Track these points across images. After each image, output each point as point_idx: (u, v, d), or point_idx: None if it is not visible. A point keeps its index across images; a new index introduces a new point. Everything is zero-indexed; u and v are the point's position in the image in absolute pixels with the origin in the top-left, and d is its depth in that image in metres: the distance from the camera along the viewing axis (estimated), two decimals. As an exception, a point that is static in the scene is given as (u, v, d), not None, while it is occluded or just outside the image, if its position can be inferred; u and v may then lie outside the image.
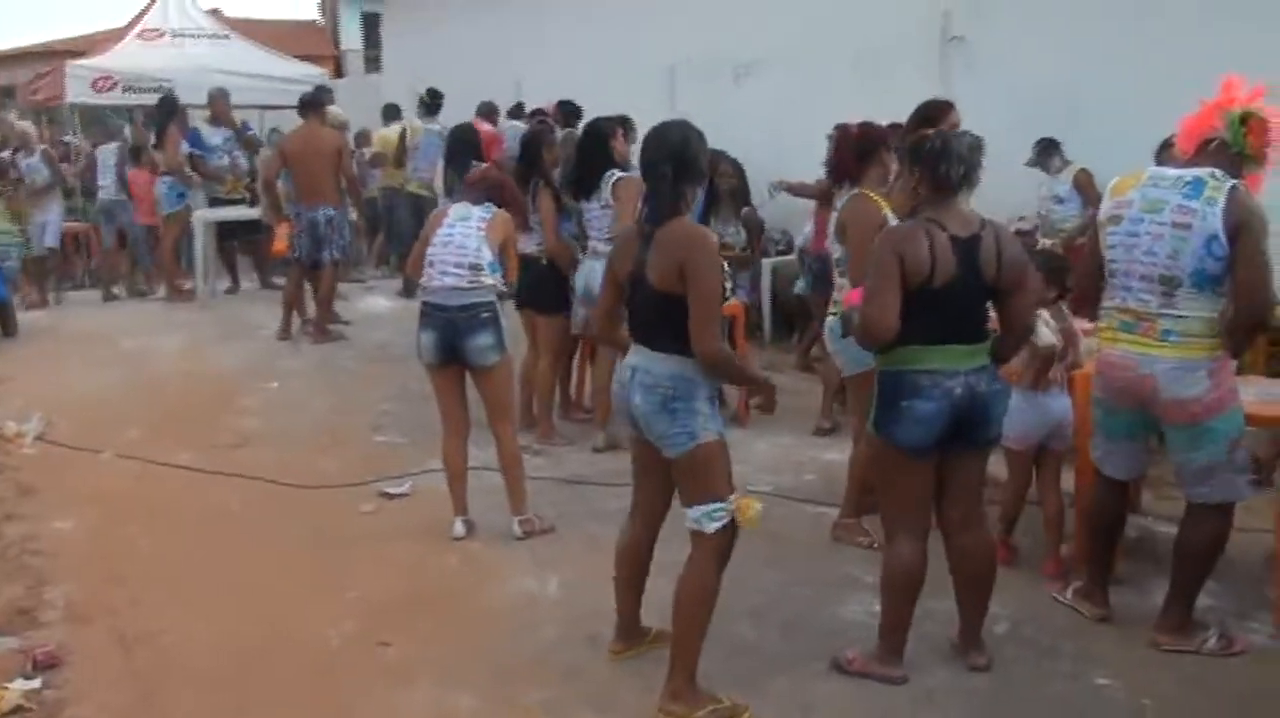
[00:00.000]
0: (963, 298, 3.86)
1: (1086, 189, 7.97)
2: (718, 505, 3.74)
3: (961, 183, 3.90)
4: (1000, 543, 4.96)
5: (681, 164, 3.74)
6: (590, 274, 6.49)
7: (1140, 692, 4.00)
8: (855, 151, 5.26)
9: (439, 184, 9.48)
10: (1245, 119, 4.04)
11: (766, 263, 9.56)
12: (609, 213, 6.52)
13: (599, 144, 6.72)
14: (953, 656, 4.20)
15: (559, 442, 6.95)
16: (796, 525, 5.58)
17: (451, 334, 5.28)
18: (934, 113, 5.29)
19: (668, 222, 3.71)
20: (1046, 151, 8.34)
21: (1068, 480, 5.04)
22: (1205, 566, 4.25)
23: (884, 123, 5.60)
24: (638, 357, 3.81)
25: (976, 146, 3.93)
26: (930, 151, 3.93)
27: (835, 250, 5.28)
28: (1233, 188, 3.94)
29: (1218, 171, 4.00)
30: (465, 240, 5.33)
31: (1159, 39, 7.69)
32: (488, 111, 11.91)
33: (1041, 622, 4.52)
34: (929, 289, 3.80)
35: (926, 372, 3.84)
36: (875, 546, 4.93)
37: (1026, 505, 5.12)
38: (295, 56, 17.70)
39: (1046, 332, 4.81)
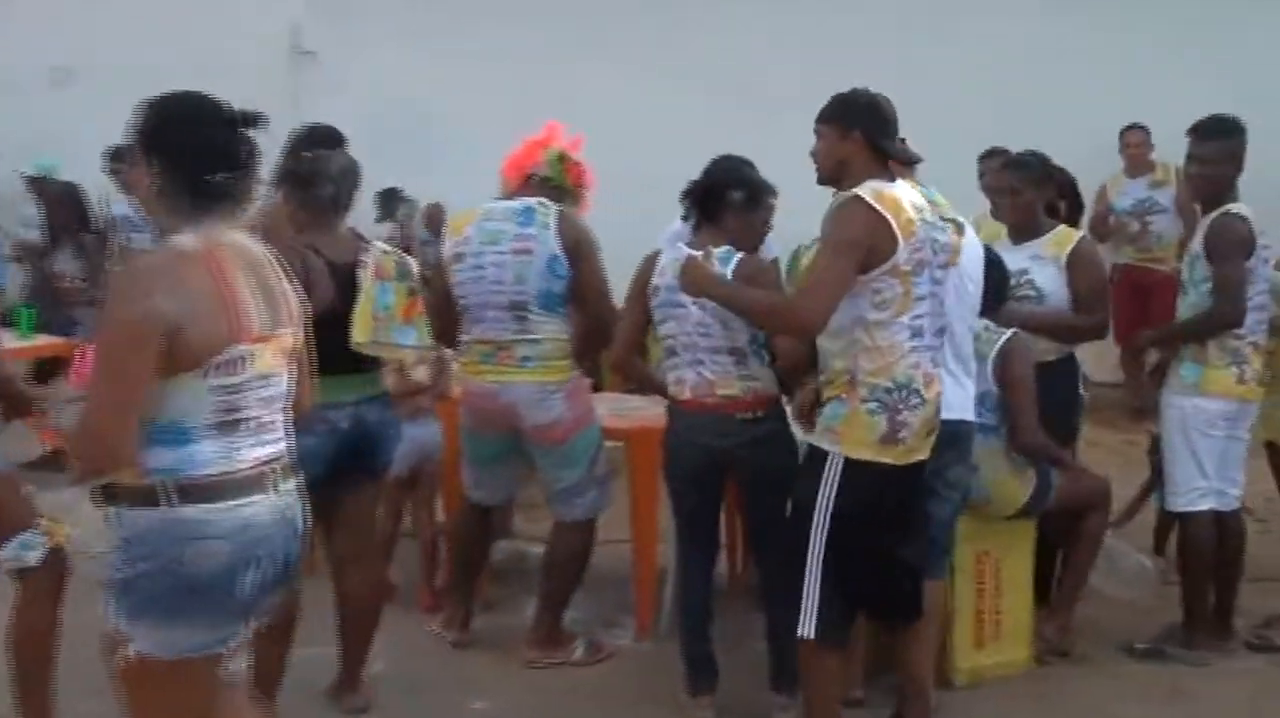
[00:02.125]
0: (344, 324, 3.66)
1: (437, 222, 8.08)
2: (29, 535, 3.36)
3: (333, 206, 3.77)
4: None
5: None
6: None
7: (512, 710, 4.08)
8: None
9: None
10: (563, 158, 4.26)
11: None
12: None
13: None
14: (329, 703, 3.95)
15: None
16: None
17: None
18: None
19: None
20: (389, 202, 8.31)
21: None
22: (573, 580, 4.37)
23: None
24: None
25: (350, 169, 3.83)
26: (300, 175, 3.75)
27: None
28: (560, 211, 4.16)
29: (545, 200, 4.17)
30: None
31: (517, 59, 7.97)
32: None
33: (419, 655, 4.41)
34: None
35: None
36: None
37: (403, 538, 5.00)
38: None
39: (422, 368, 4.69)
